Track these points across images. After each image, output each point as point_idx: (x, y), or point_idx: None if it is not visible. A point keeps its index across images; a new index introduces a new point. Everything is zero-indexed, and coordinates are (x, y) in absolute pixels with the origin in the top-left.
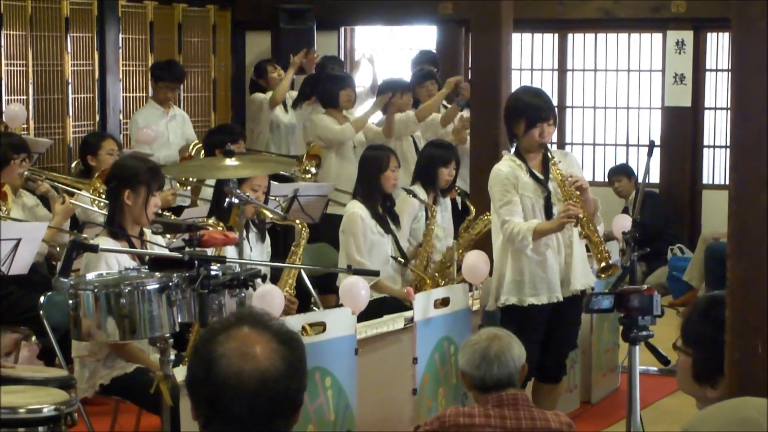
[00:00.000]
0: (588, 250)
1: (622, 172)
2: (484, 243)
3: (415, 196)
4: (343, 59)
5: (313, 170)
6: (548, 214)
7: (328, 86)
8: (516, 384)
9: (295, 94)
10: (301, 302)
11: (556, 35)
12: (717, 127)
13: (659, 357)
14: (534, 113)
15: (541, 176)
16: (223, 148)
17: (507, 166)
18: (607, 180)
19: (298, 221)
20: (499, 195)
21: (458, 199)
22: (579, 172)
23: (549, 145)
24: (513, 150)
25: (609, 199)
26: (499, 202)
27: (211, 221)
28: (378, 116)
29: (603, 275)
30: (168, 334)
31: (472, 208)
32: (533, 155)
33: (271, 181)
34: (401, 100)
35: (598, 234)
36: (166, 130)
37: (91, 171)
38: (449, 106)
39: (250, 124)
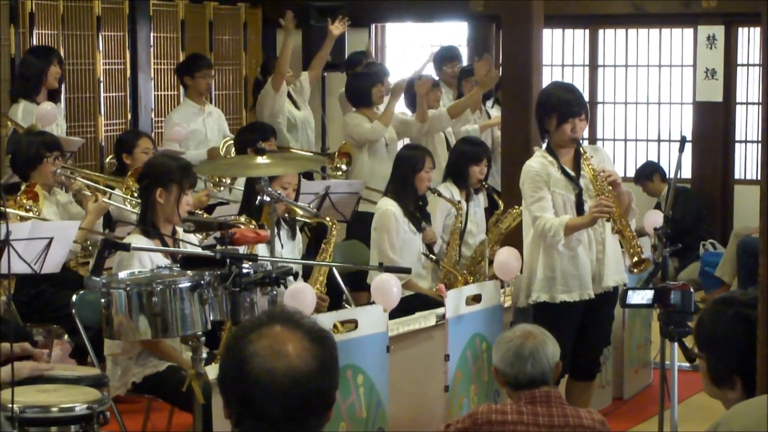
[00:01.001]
0: (621, 246)
1: (647, 176)
2: (515, 239)
3: (440, 195)
4: (374, 56)
5: (344, 167)
6: (580, 210)
7: (358, 84)
8: (549, 382)
9: (303, 77)
10: (333, 300)
11: (587, 31)
12: (749, 122)
13: (686, 353)
14: (566, 108)
15: (572, 173)
16: (255, 146)
17: (538, 162)
18: (635, 182)
19: (328, 218)
20: (530, 191)
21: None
22: (611, 167)
23: (580, 141)
24: (544, 146)
25: (640, 195)
26: (530, 198)
27: (242, 219)
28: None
29: (635, 270)
30: (200, 333)
31: (500, 202)
32: (565, 151)
33: (302, 179)
34: (430, 96)
35: (631, 229)
36: (203, 127)
37: (126, 169)
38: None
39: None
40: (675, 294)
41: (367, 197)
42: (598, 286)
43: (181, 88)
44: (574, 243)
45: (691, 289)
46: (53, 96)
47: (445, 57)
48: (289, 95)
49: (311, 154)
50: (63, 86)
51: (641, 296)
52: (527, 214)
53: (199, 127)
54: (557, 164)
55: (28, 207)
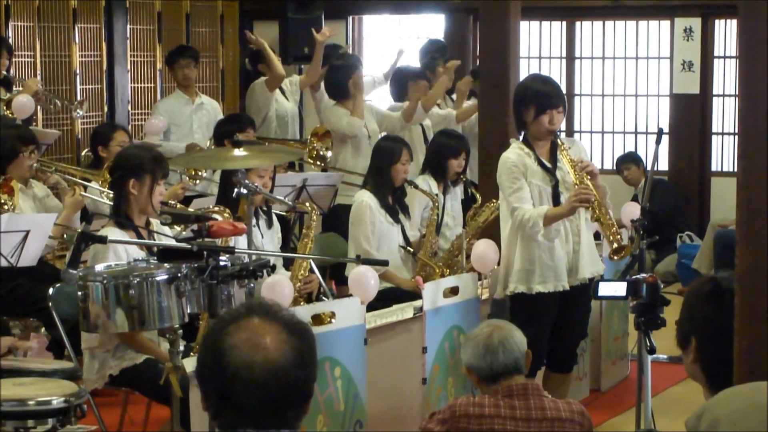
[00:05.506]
0: (597, 238)
1: (630, 159)
2: (492, 232)
3: (416, 187)
4: (352, 49)
5: (329, 153)
6: (556, 202)
7: (334, 77)
8: (523, 370)
9: (295, 79)
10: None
11: (564, 23)
12: (725, 114)
13: (649, 344)
14: (544, 100)
15: (549, 164)
16: (232, 138)
17: (515, 153)
18: (615, 168)
19: (307, 203)
20: (508, 182)
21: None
22: (587, 159)
23: (557, 133)
24: (521, 138)
25: (618, 187)
26: (508, 189)
27: (217, 208)
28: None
29: (616, 257)
30: (177, 325)
31: (477, 195)
32: (541, 143)
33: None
34: (419, 90)
35: (610, 216)
36: (190, 119)
37: (102, 162)
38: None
39: (252, 115)
40: (642, 286)
41: (347, 190)
42: (575, 278)
43: (158, 79)
44: (552, 233)
45: (659, 281)
46: (8, 87)
47: (429, 50)
48: (280, 87)
49: (289, 143)
50: (39, 78)
51: (613, 288)
52: (505, 205)
53: (185, 119)
54: (534, 156)
55: (2, 201)
